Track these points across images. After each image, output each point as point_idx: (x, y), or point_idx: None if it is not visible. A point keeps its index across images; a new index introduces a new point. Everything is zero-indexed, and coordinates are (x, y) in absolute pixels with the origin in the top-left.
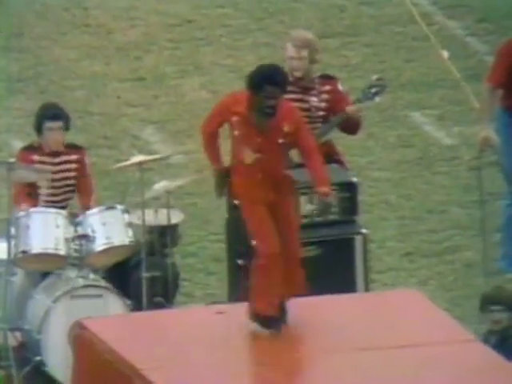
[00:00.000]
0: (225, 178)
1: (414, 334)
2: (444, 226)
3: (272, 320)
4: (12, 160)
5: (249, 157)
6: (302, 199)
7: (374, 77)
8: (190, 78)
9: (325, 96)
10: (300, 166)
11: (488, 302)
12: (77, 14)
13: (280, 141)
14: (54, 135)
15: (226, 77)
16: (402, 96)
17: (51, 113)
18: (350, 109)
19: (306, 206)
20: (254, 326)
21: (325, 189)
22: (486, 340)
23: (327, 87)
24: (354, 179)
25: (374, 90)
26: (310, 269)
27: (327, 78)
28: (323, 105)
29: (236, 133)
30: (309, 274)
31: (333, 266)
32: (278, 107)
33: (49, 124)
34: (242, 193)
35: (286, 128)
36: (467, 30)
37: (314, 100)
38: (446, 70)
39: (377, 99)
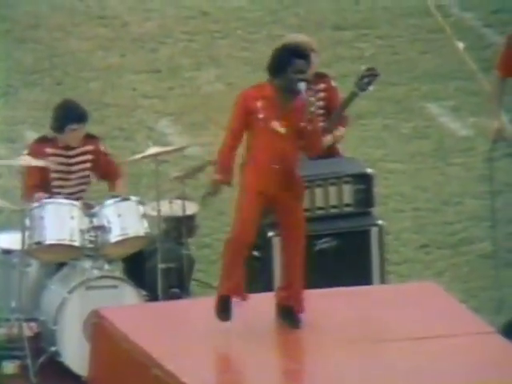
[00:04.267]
0: (218, 191)
1: (431, 326)
2: (459, 218)
3: (228, 303)
4: (25, 153)
5: (279, 128)
6: (317, 191)
7: (364, 67)
8: (206, 70)
9: (321, 94)
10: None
11: None
12: (92, 5)
13: (302, 124)
14: (77, 135)
15: (241, 69)
16: (418, 87)
17: (76, 115)
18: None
19: None
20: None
21: None
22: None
23: (322, 85)
24: (369, 171)
25: (366, 80)
26: (326, 261)
27: (321, 77)
28: (321, 103)
29: (260, 116)
30: (325, 266)
31: (349, 258)
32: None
33: (73, 126)
34: (250, 183)
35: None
36: (483, 21)
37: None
38: (462, 61)
39: (370, 88)
